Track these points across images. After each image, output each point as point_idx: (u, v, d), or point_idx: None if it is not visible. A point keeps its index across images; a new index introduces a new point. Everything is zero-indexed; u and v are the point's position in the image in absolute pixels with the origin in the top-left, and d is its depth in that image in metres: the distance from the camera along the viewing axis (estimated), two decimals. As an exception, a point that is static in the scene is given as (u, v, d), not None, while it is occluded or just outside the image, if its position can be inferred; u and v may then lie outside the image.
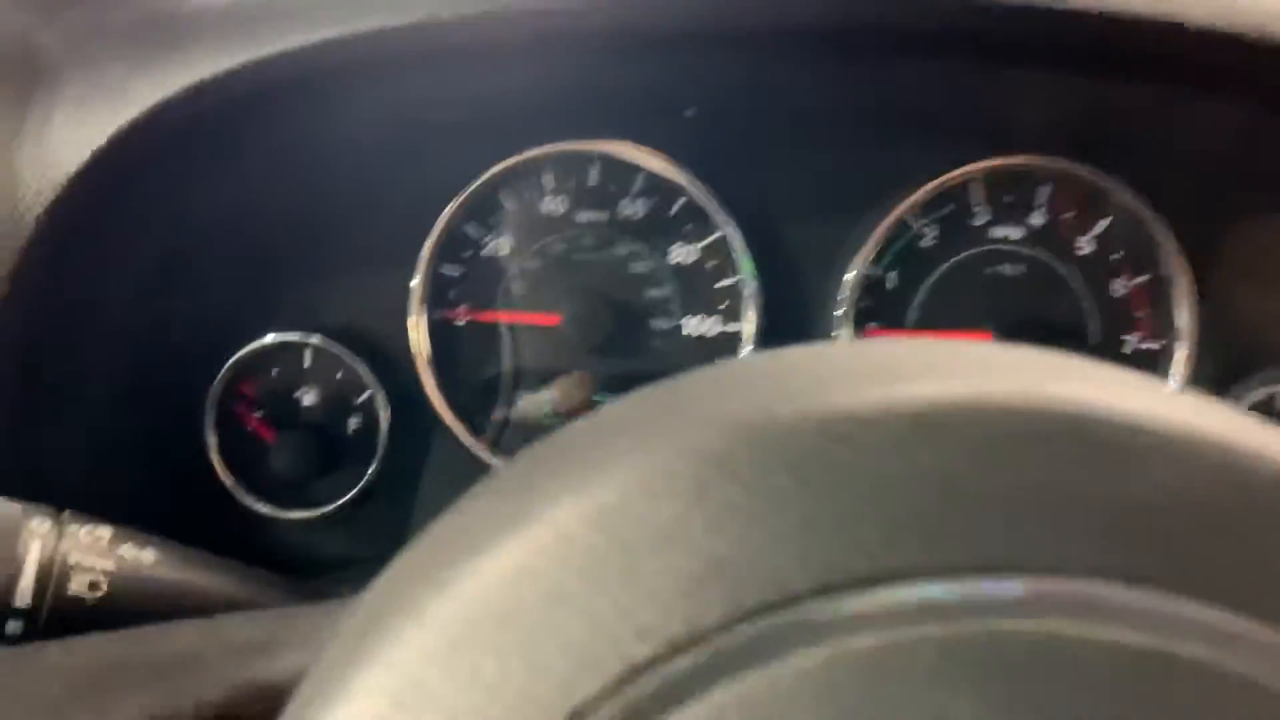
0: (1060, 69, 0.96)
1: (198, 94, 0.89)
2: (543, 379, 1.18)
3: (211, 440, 1.15)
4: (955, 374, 0.41)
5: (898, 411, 0.37)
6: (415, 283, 1.14)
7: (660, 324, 1.18)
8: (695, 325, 1.18)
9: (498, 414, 1.18)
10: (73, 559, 0.74)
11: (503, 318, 1.17)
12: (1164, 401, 0.40)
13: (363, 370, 1.14)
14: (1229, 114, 1.01)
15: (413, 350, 1.15)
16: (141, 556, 0.77)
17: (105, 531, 0.76)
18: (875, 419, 0.37)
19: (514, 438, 1.18)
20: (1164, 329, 1.15)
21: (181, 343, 1.12)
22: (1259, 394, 1.12)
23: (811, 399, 0.38)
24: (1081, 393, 0.38)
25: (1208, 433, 0.37)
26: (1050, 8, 0.82)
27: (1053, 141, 1.10)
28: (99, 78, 0.89)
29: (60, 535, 0.75)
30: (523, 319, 1.17)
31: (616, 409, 0.47)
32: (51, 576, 0.73)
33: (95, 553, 0.75)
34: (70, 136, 0.88)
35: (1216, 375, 1.14)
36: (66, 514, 0.76)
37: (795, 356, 0.46)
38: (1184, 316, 1.12)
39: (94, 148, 0.86)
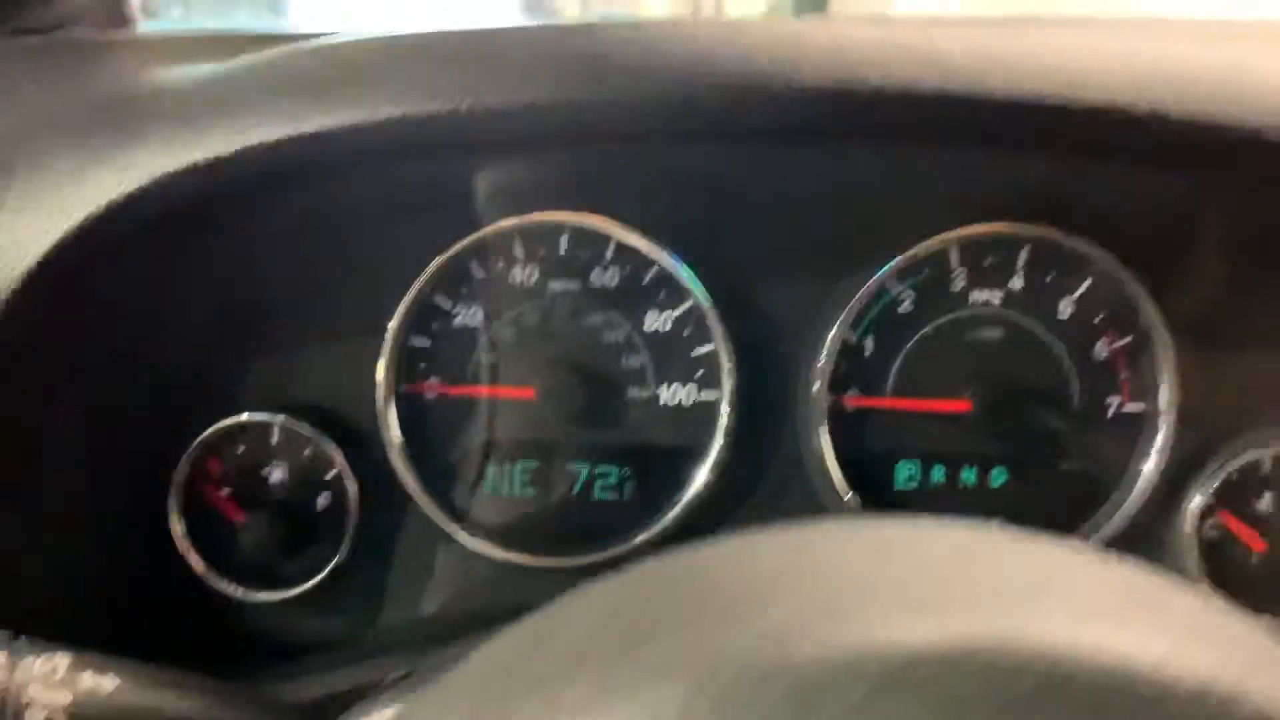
0: (1014, 147, 0.93)
1: (158, 190, 0.86)
2: (518, 453, 1.15)
3: (177, 523, 1.12)
4: (932, 598, 0.39)
5: (871, 669, 0.35)
6: (384, 356, 1.12)
7: (636, 393, 1.16)
8: (672, 394, 1.16)
9: (472, 490, 1.15)
10: (27, 694, 0.72)
11: (475, 392, 1.14)
12: (1165, 637, 0.38)
13: (330, 448, 1.11)
14: (1184, 184, 0.99)
15: (381, 426, 1.12)
16: (102, 684, 0.74)
17: (63, 660, 0.74)
18: (845, 676, 0.35)
19: (488, 514, 1.15)
20: (1147, 392, 1.13)
21: (144, 426, 1.10)
22: (1245, 458, 1.11)
23: (777, 642, 0.36)
24: (1068, 637, 0.36)
25: (1225, 684, 0.35)
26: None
27: (1028, 206, 1.08)
28: (48, 174, 0.86)
29: (14, 668, 0.72)
30: (495, 393, 1.14)
31: (566, 619, 0.45)
32: (4, 717, 0.70)
33: (52, 686, 0.72)
34: (20, 237, 0.85)
35: (1201, 438, 1.13)
36: (22, 641, 0.74)
37: (764, 558, 0.44)
38: (1167, 379, 1.11)
39: (44, 250, 0.83)
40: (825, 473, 1.13)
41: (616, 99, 0.80)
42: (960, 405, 1.12)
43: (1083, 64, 0.81)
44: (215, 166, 0.84)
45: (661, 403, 1.16)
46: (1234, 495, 1.12)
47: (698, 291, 1.11)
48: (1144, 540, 1.14)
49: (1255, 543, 1.12)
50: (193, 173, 0.86)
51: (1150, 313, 1.10)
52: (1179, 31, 0.87)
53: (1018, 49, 0.81)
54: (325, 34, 1.14)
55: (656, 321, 1.15)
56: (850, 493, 1.13)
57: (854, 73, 0.79)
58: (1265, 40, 0.87)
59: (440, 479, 1.15)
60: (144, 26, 1.30)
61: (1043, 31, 0.83)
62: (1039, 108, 0.79)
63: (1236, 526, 1.13)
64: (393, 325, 1.11)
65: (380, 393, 1.12)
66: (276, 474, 1.14)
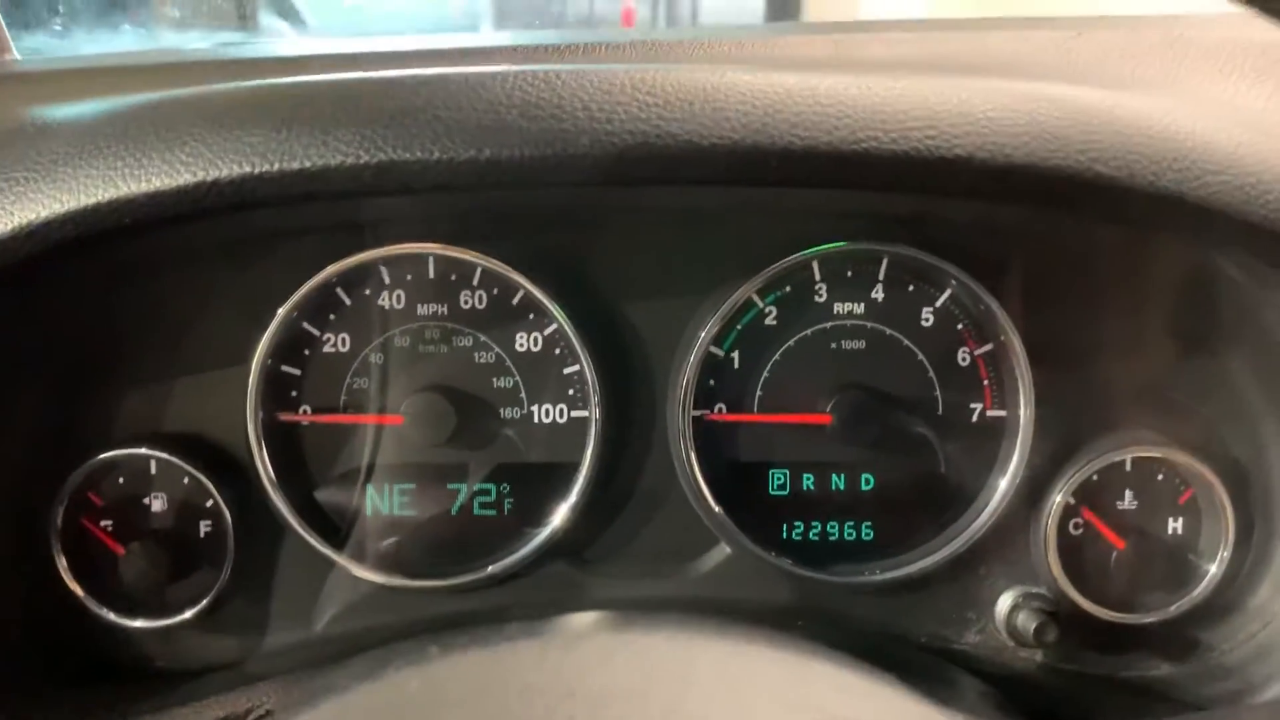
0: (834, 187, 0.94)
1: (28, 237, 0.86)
2: (394, 476, 1.17)
3: (59, 556, 1.13)
4: None
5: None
6: (252, 384, 1.12)
7: (509, 413, 1.17)
8: (544, 412, 1.17)
9: (350, 514, 1.17)
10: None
11: (345, 419, 1.15)
12: None
13: (204, 478, 1.13)
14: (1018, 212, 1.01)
15: (254, 455, 1.13)
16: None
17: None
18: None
19: (368, 537, 1.17)
20: (1008, 398, 1.15)
21: (18, 466, 1.11)
22: (1105, 460, 1.13)
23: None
24: None
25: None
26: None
27: (883, 228, 1.09)
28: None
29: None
30: (365, 420, 1.15)
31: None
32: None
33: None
34: None
35: (1062, 442, 1.15)
36: None
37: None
38: (1024, 385, 1.12)
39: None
40: (695, 485, 1.15)
41: (423, 159, 0.80)
42: (821, 419, 1.14)
43: (893, 110, 0.81)
44: (89, 214, 0.83)
45: (535, 421, 1.17)
46: (1095, 496, 1.15)
47: (560, 314, 1.12)
48: (1007, 540, 1.16)
49: (1115, 540, 1.14)
50: (67, 220, 0.85)
51: (1005, 323, 1.11)
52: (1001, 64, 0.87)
53: (809, 93, 0.81)
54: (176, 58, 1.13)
55: (526, 342, 1.16)
56: (719, 507, 1.15)
57: (661, 129, 0.80)
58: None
59: (317, 505, 1.16)
60: (17, 57, 1.28)
61: (846, 77, 0.83)
62: (833, 157, 0.80)
63: (1098, 525, 1.15)
64: (259, 353, 1.12)
65: (251, 422, 1.13)
66: (157, 505, 1.16)
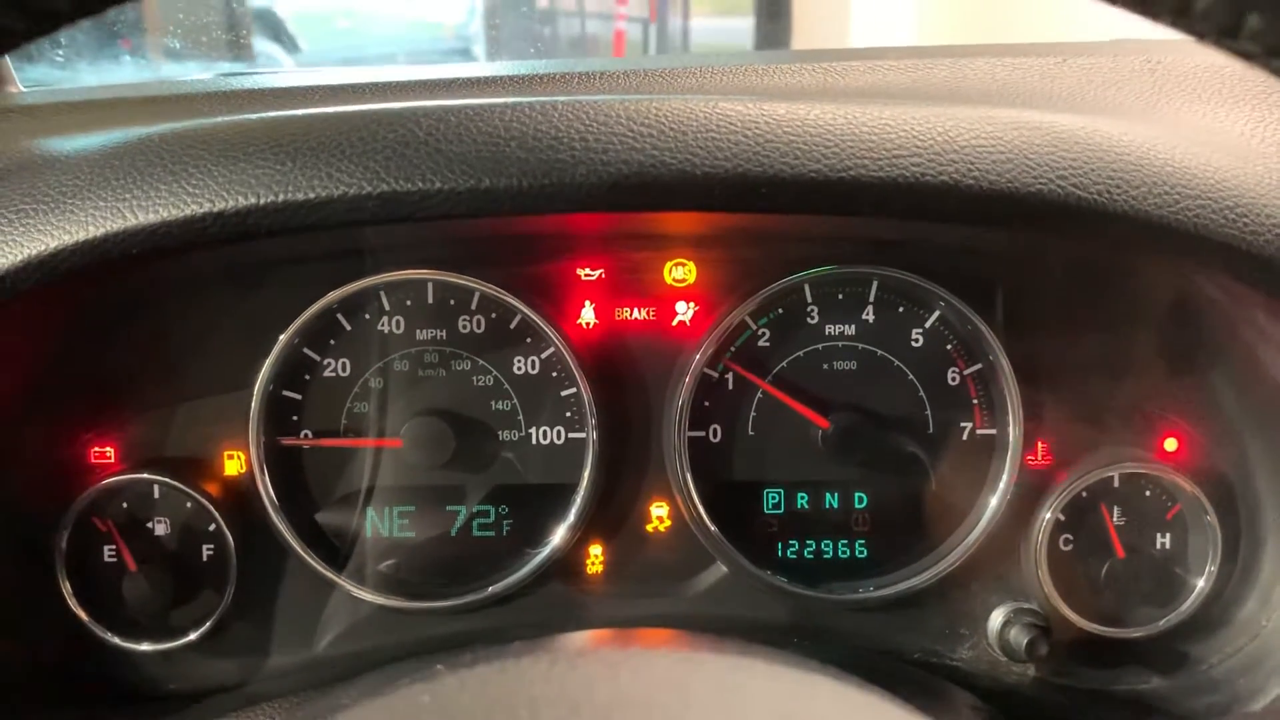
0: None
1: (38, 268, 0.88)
2: (394, 499, 1.19)
3: (64, 581, 1.15)
4: None
5: None
6: (254, 410, 1.14)
7: (508, 435, 1.19)
8: (543, 435, 1.19)
9: (350, 536, 1.19)
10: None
11: (345, 443, 1.17)
12: None
13: (206, 503, 1.15)
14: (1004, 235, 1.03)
15: (256, 479, 1.15)
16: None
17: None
18: None
19: (368, 559, 1.19)
20: (998, 416, 1.17)
21: (27, 488, 1.12)
22: (1095, 476, 1.15)
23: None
24: None
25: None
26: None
27: (874, 251, 1.12)
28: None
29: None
30: (365, 444, 1.17)
31: None
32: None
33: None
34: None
35: (1051, 458, 1.17)
36: None
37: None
38: (1013, 404, 1.15)
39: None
40: (691, 505, 1.17)
41: (425, 189, 0.82)
42: (820, 421, 1.16)
43: (881, 140, 0.84)
44: (96, 245, 0.85)
45: (533, 443, 1.19)
46: (1085, 512, 1.17)
47: (557, 337, 1.14)
48: (998, 556, 1.18)
49: (1105, 556, 1.16)
50: (75, 251, 0.87)
51: (993, 343, 1.14)
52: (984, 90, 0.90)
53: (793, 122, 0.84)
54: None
55: (524, 365, 1.18)
56: (715, 527, 1.17)
57: (655, 159, 0.82)
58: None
59: (318, 528, 1.18)
60: (21, 89, 1.30)
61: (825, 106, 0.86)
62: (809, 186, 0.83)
63: (1088, 542, 1.17)
64: (261, 378, 1.14)
65: (253, 446, 1.14)
66: (161, 529, 1.17)
